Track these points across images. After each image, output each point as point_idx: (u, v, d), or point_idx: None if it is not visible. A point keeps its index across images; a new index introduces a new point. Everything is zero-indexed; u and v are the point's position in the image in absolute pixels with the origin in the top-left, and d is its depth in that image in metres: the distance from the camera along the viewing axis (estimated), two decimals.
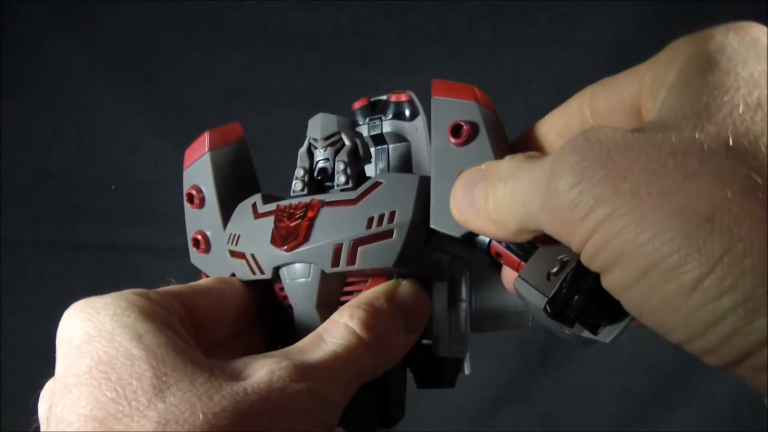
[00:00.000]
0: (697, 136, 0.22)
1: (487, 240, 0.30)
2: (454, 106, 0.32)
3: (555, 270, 0.27)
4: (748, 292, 0.20)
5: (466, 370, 0.37)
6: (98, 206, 1.01)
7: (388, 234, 0.31)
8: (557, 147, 0.31)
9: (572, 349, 0.92)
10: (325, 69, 0.99)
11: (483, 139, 0.31)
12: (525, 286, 0.28)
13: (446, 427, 0.87)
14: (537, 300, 0.27)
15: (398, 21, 0.99)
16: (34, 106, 1.04)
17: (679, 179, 0.21)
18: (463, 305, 0.36)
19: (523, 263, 0.29)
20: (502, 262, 0.31)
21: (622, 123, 0.28)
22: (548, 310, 0.26)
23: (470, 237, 0.31)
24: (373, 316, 0.30)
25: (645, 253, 0.21)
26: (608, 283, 0.24)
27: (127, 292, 0.28)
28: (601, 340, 0.26)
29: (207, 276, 0.38)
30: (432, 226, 0.31)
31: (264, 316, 0.35)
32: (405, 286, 0.32)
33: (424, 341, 0.34)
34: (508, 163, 0.27)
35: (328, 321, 0.30)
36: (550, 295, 0.26)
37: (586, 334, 0.26)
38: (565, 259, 0.27)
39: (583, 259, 0.24)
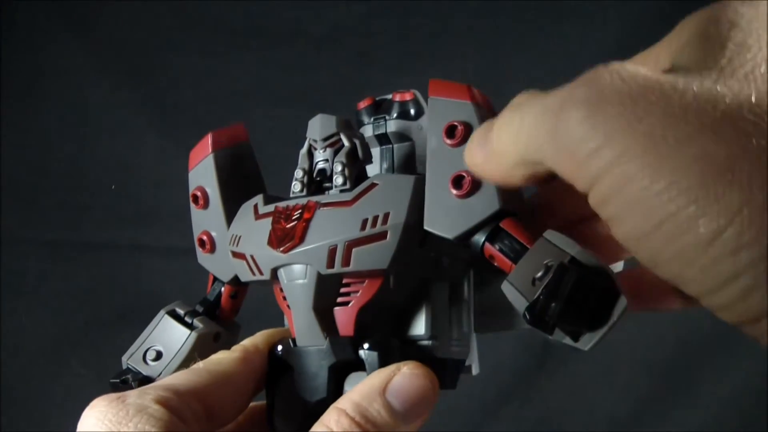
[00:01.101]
0: (719, 88, 0.21)
1: (481, 241, 0.30)
2: (450, 105, 0.32)
3: (540, 275, 0.26)
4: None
5: (474, 371, 0.37)
6: (98, 206, 1.01)
7: (381, 236, 0.31)
8: None
9: (572, 349, 0.91)
10: (325, 69, 0.99)
11: None
12: (511, 290, 0.27)
13: (446, 427, 0.87)
14: (520, 305, 0.27)
15: (398, 21, 0.99)
16: (34, 106, 1.04)
17: (699, 126, 0.20)
18: (465, 306, 0.36)
19: (514, 266, 0.29)
20: (495, 264, 0.30)
21: None
22: (527, 317, 0.26)
23: (463, 238, 0.31)
24: (362, 428, 0.29)
25: (661, 202, 0.20)
26: (620, 234, 0.23)
27: (151, 398, 0.29)
28: (580, 348, 0.26)
29: (214, 276, 0.39)
30: (425, 227, 0.31)
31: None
32: (404, 374, 0.30)
33: (423, 342, 0.34)
34: (522, 95, 0.26)
35: (319, 423, 0.29)
36: (529, 302, 0.26)
37: (567, 341, 0.26)
38: (549, 264, 0.26)
39: (591, 203, 0.23)
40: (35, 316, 0.98)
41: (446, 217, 0.31)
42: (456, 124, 0.31)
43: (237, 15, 1.02)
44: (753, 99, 0.21)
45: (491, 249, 0.30)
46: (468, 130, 0.31)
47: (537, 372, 0.93)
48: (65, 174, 1.02)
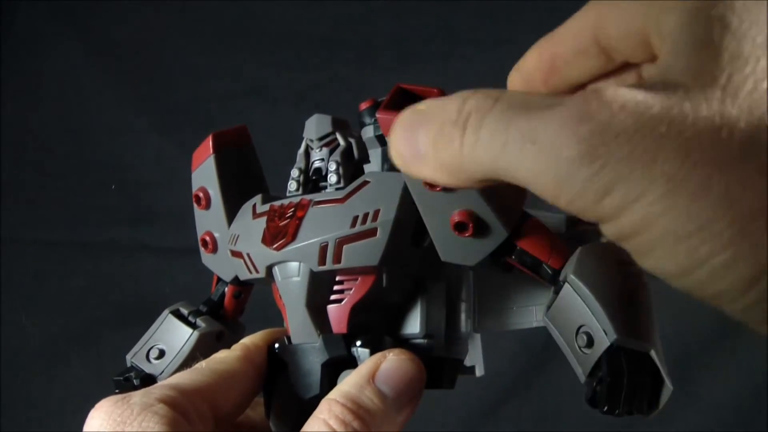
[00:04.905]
0: (730, 110, 0.20)
1: (501, 258, 0.31)
2: None
3: (584, 344, 0.29)
4: None
5: (478, 372, 0.37)
6: (98, 206, 1.01)
7: (371, 232, 0.32)
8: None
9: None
10: (325, 69, 0.99)
11: None
12: (557, 336, 0.30)
13: (446, 427, 0.87)
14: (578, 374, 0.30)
15: (398, 21, 0.99)
16: (34, 106, 1.04)
17: (720, 165, 0.19)
18: (464, 305, 0.36)
19: (535, 276, 0.31)
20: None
21: (633, 56, 0.26)
22: (591, 404, 0.30)
23: (484, 264, 0.31)
24: (354, 414, 0.29)
25: (693, 246, 0.20)
26: (649, 264, 0.22)
27: (156, 397, 0.29)
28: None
29: (218, 276, 0.39)
30: (443, 259, 0.31)
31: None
32: (390, 360, 0.31)
33: (417, 341, 0.34)
34: (462, 105, 0.23)
35: (312, 417, 0.30)
36: (588, 391, 0.30)
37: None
38: (585, 331, 0.29)
39: (607, 232, 0.22)
40: (35, 316, 0.98)
41: (460, 251, 0.31)
42: None
43: (237, 15, 1.02)
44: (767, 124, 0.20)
45: (511, 261, 0.31)
46: None
47: (537, 372, 0.93)
48: (65, 174, 1.02)
